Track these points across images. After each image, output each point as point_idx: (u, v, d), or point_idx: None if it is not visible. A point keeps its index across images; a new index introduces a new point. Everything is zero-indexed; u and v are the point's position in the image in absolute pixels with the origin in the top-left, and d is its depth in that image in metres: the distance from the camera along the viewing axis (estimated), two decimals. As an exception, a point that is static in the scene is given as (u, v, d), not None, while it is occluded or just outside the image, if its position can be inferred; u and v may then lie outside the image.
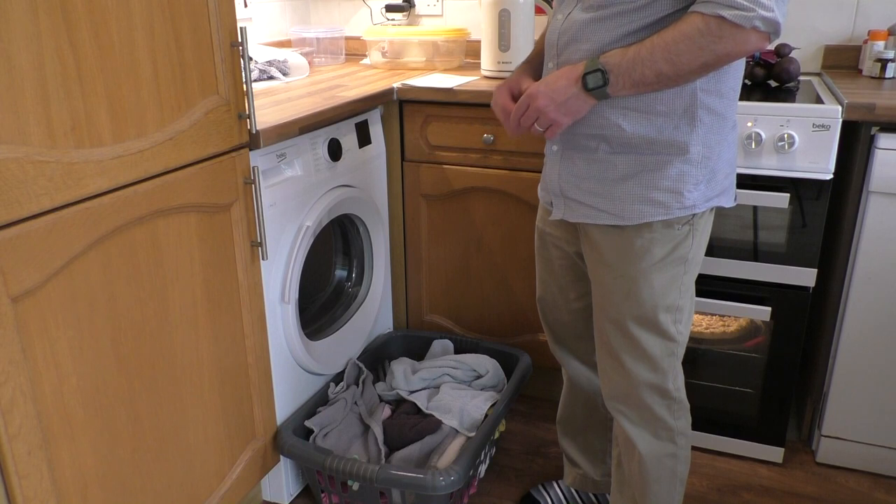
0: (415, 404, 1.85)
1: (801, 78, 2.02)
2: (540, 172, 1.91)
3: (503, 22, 2.06)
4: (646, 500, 1.41)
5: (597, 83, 1.15)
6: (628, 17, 1.15)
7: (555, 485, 1.77)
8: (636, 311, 1.29)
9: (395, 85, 2.01)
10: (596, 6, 1.18)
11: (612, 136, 1.22)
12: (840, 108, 1.63)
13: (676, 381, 1.36)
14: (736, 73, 1.23)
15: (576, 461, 1.68)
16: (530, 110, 1.22)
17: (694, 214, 1.25)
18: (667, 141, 1.20)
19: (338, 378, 1.91)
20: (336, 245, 2.06)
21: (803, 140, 1.66)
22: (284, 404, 1.74)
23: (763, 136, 1.67)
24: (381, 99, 1.95)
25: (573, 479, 1.70)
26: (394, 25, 2.53)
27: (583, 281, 1.47)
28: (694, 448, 1.98)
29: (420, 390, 1.93)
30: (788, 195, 1.68)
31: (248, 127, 1.46)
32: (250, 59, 1.46)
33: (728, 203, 1.31)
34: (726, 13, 1.05)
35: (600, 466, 1.67)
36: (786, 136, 1.65)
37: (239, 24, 1.40)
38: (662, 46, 1.10)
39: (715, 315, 1.87)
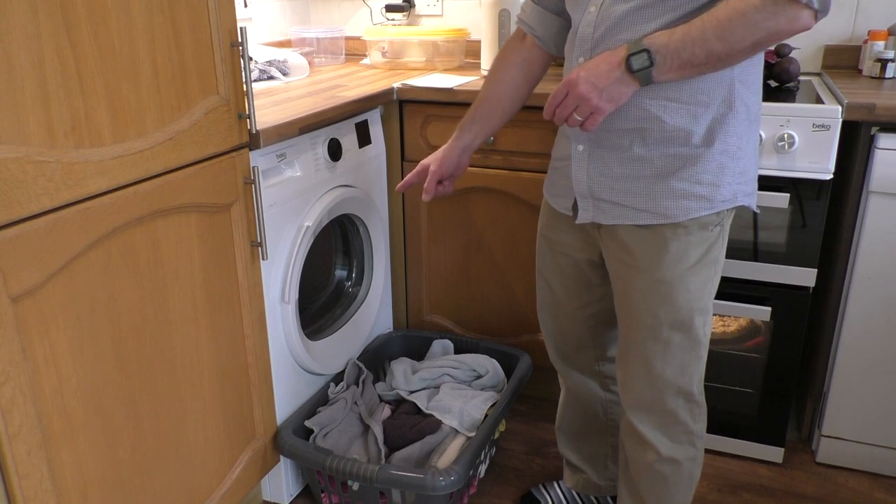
0: (415, 404, 1.85)
1: (801, 78, 2.02)
2: (539, 173, 1.94)
3: (503, 22, 2.06)
4: (662, 503, 1.40)
5: (642, 64, 1.09)
6: (672, 2, 1.11)
7: (555, 485, 1.77)
8: (673, 316, 1.25)
9: (395, 85, 2.01)
10: None
11: (650, 129, 1.17)
12: (840, 108, 1.63)
13: (700, 385, 1.33)
14: (759, 64, 1.20)
15: (579, 467, 1.68)
16: (570, 98, 1.14)
17: (723, 213, 1.22)
18: (706, 133, 1.16)
19: (338, 378, 1.91)
20: (336, 245, 2.06)
21: (803, 140, 1.66)
22: (284, 404, 1.74)
23: (763, 136, 1.67)
24: (380, 99, 1.95)
25: (575, 483, 1.70)
26: (394, 25, 2.53)
27: (589, 289, 1.44)
28: (694, 448, 1.98)
29: (420, 390, 1.93)
30: (788, 195, 1.68)
31: (248, 127, 1.46)
32: (250, 59, 1.46)
33: (754, 205, 1.27)
34: None
35: (603, 471, 1.66)
36: (786, 136, 1.65)
37: (239, 24, 1.40)
38: (715, 24, 1.06)
39: (715, 315, 1.87)
